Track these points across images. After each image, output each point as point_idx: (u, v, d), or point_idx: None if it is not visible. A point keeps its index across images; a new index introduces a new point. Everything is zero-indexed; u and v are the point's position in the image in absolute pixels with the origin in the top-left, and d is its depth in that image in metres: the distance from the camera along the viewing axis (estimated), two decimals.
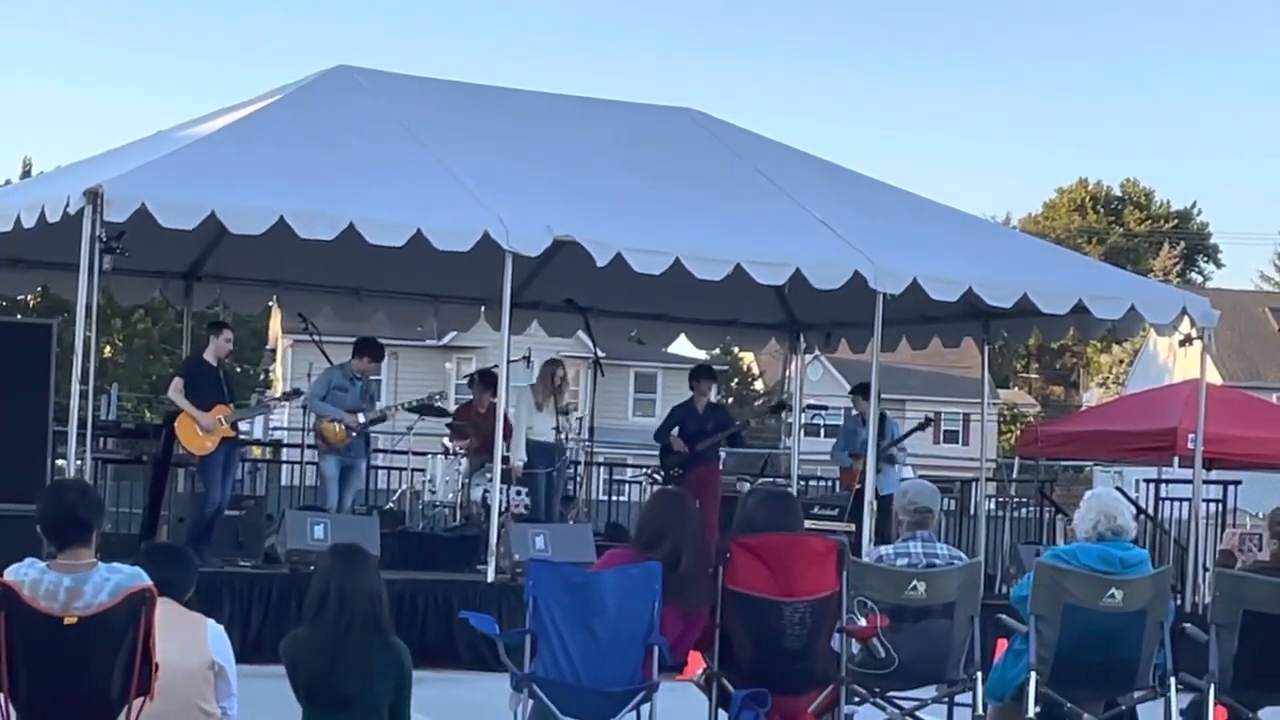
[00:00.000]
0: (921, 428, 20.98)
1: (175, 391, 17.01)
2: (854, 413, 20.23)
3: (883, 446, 18.99)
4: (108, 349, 47.90)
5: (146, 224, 14.80)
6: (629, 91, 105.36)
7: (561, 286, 19.86)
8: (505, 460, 17.60)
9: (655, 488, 19.46)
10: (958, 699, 10.65)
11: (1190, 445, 18.62)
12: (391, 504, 21.46)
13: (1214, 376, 20.69)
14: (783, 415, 23.31)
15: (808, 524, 12.60)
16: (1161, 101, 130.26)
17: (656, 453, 20.55)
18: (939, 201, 19.82)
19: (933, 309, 18.59)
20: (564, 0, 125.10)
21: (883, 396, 18.21)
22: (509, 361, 16.95)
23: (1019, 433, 44.23)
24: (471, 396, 20.32)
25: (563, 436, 18.65)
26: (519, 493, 17.90)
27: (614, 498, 27.36)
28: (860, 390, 19.63)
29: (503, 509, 16.84)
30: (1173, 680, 10.47)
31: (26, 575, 7.05)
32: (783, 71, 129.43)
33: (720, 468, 20.67)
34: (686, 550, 9.45)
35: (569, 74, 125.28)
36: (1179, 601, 17.79)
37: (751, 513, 9.78)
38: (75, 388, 14.51)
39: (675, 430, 19.84)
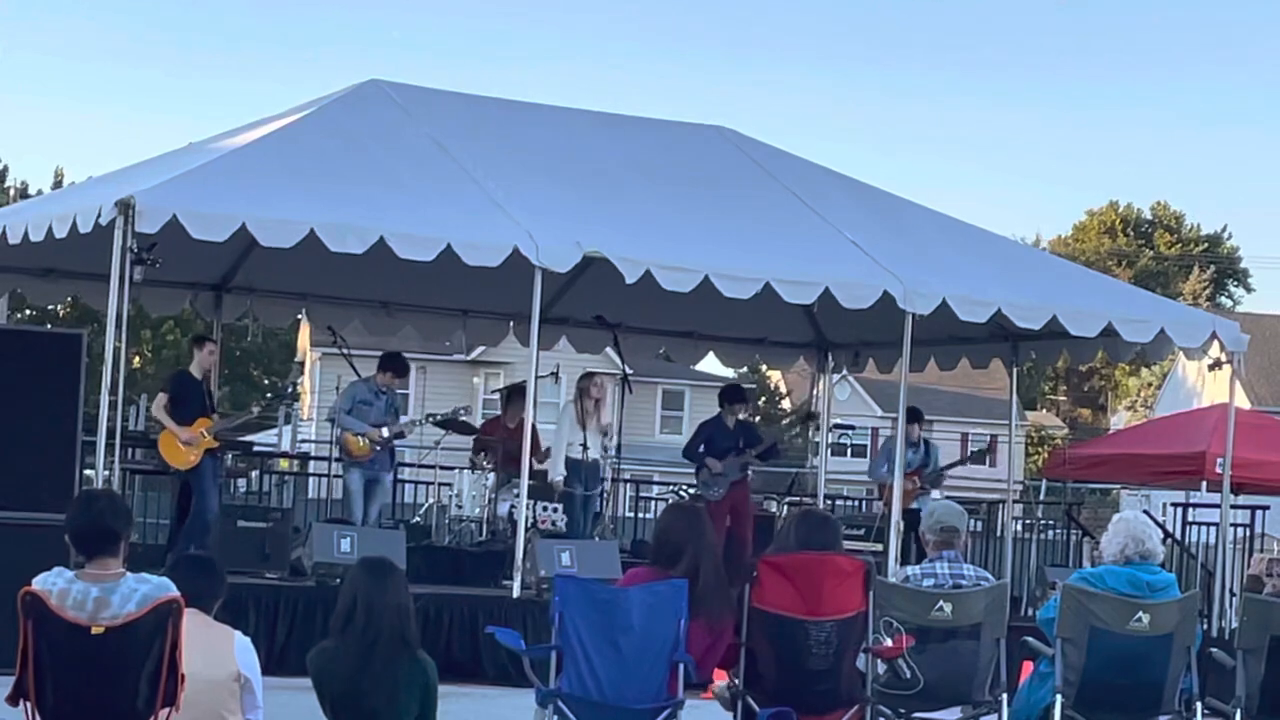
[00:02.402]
0: (978, 457, 21.25)
1: (158, 408, 17.19)
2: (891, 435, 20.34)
3: (928, 474, 19.73)
4: (137, 360, 48.06)
5: (177, 235, 14.82)
6: (660, 109, 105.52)
7: (590, 303, 19.86)
8: (534, 476, 17.62)
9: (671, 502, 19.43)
10: None
11: (1218, 470, 18.56)
12: (418, 518, 21.45)
13: (1243, 401, 20.61)
14: (810, 433, 23.21)
15: None
16: (1193, 125, 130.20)
17: (682, 469, 20.51)
18: (969, 222, 19.78)
19: (961, 330, 18.54)
20: (597, 17, 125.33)
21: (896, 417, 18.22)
22: (537, 377, 16.96)
23: (1046, 455, 44.15)
24: (499, 411, 20.32)
25: (590, 454, 18.59)
26: (545, 508, 17.88)
27: (640, 515, 27.35)
28: (912, 414, 20.13)
29: (529, 524, 16.85)
30: (1199, 705, 10.46)
31: (55, 585, 7.08)
32: (812, 91, 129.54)
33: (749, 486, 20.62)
34: (705, 563, 9.46)
35: (601, 90, 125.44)
36: (1206, 626, 17.74)
37: (785, 532, 9.81)
38: (104, 398, 14.52)
39: (702, 447, 19.81)
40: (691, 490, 21.18)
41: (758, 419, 66.09)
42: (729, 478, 19.54)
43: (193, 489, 17.09)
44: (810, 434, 24.98)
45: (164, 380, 19.51)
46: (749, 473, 20.32)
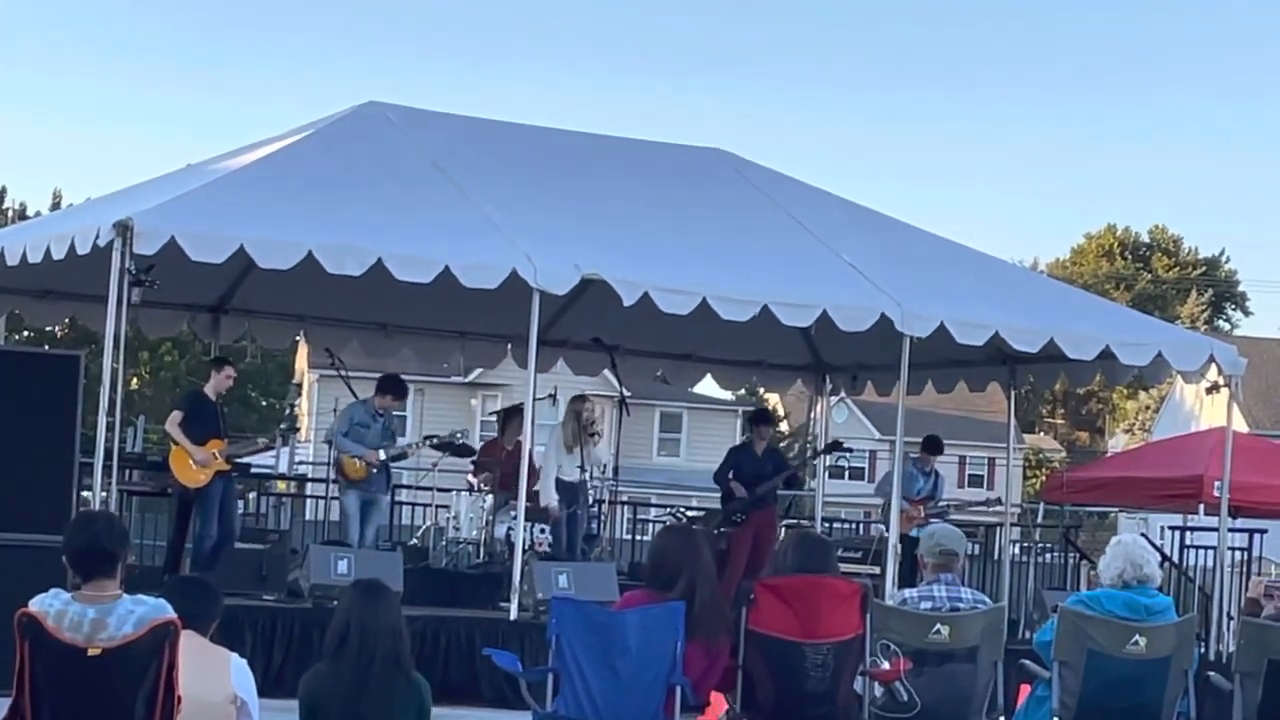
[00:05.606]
0: (989, 503, 21.58)
1: (172, 425, 17.15)
2: (913, 456, 20.35)
3: (932, 507, 20.01)
4: (134, 381, 48.07)
5: (175, 257, 14.83)
6: (659, 131, 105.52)
7: (588, 325, 19.87)
8: (532, 498, 17.60)
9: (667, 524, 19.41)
10: None
11: (1216, 493, 18.58)
12: (415, 540, 21.44)
13: (1240, 424, 20.66)
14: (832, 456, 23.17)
15: None
16: (1191, 148, 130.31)
17: (679, 492, 20.50)
18: (967, 245, 19.80)
19: (959, 353, 18.55)
20: (596, 40, 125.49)
21: (907, 440, 18.20)
22: (535, 399, 16.96)
23: (1044, 478, 44.13)
24: (496, 434, 20.31)
25: (586, 476, 18.60)
26: (541, 530, 17.89)
27: (638, 537, 27.32)
28: (929, 445, 20.55)
29: (527, 546, 16.83)
30: None
31: (51, 606, 7.07)
32: (810, 114, 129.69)
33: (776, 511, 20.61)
34: (701, 584, 9.45)
35: (600, 113, 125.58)
36: (1203, 650, 17.72)
37: (782, 555, 9.80)
38: (102, 419, 14.53)
39: (731, 474, 19.82)
40: (691, 513, 21.16)
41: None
42: (752, 504, 19.53)
43: (195, 510, 17.04)
44: (809, 456, 24.96)
45: (177, 398, 19.44)
46: (777, 498, 20.28)
